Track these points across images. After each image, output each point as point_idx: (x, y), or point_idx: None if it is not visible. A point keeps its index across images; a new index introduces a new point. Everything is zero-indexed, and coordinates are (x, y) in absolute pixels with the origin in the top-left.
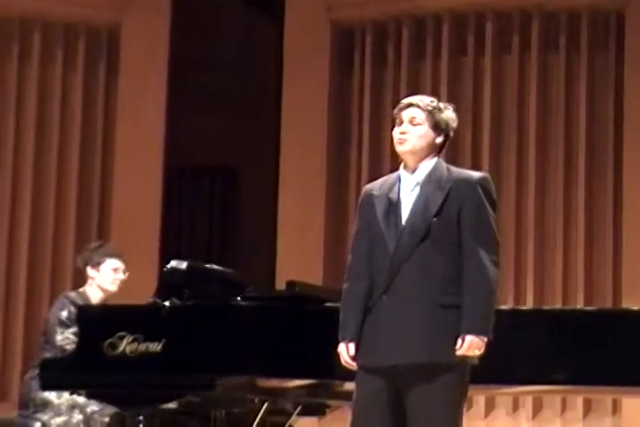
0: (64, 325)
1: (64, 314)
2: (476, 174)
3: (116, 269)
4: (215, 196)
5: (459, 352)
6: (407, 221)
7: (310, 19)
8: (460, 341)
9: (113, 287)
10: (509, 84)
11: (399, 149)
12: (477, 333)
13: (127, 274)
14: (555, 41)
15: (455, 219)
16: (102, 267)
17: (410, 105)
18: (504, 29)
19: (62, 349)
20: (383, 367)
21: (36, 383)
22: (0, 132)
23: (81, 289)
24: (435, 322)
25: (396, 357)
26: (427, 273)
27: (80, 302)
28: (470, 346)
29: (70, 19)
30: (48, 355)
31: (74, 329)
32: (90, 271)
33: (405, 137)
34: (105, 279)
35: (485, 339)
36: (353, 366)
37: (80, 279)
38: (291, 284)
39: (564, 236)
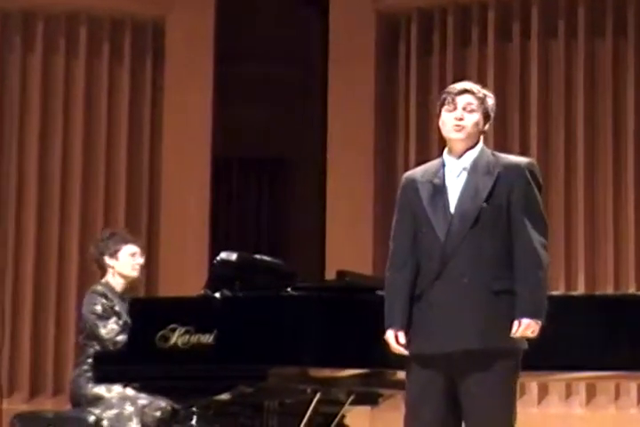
0: (102, 318)
1: (98, 308)
2: (523, 160)
3: (133, 254)
4: (263, 186)
5: (516, 335)
6: (457, 206)
7: (355, 8)
8: (516, 324)
9: (134, 273)
10: (556, 70)
11: (455, 135)
12: (533, 316)
13: (144, 257)
14: (602, 25)
15: (505, 204)
16: (120, 254)
17: (464, 91)
18: (550, 14)
19: (113, 341)
20: (437, 355)
21: (83, 380)
22: (49, 125)
23: (103, 280)
24: (489, 308)
25: (450, 344)
26: (478, 259)
27: (108, 293)
28: (527, 329)
29: (116, 13)
30: (91, 351)
31: (114, 318)
32: (108, 261)
33: (463, 123)
34: (125, 266)
35: (540, 323)
36: (403, 352)
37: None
38: (341, 273)
39: (614, 221)
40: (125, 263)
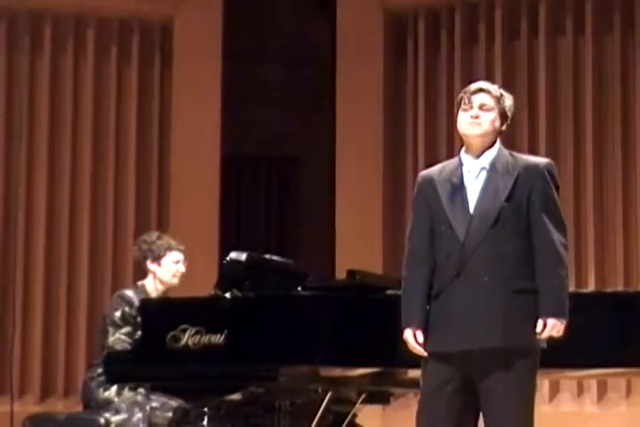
0: (115, 325)
1: (117, 314)
2: (542, 160)
3: (177, 262)
4: (272, 185)
5: (542, 335)
6: (477, 206)
7: (362, 7)
8: (540, 324)
9: (174, 280)
10: (564, 67)
11: (471, 131)
12: (558, 316)
13: (186, 264)
14: (609, 21)
15: (525, 203)
16: (164, 260)
17: (480, 90)
18: (557, 11)
19: (113, 349)
20: (456, 353)
21: (95, 384)
22: (58, 126)
23: (139, 283)
24: (509, 307)
25: (471, 342)
26: (498, 258)
27: (136, 299)
28: (552, 329)
29: (124, 14)
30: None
31: (127, 329)
32: (150, 265)
33: (478, 121)
34: (167, 273)
35: (564, 322)
36: (421, 352)
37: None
38: (351, 273)
39: (624, 217)
40: (168, 270)
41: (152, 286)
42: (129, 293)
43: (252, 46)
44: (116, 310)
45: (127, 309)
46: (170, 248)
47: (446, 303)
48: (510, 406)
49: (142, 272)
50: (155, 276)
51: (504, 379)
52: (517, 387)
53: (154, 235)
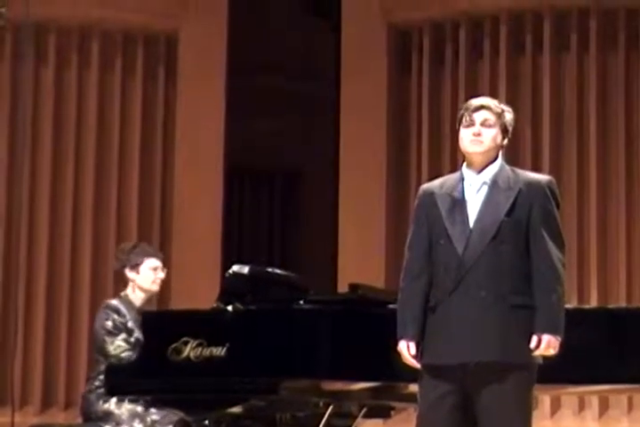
0: (111, 334)
1: (109, 324)
2: (543, 177)
3: (155, 269)
4: (275, 198)
5: (536, 352)
6: (477, 220)
7: (367, 21)
8: (535, 340)
9: (155, 287)
10: (568, 83)
11: (474, 149)
12: (554, 332)
13: (165, 271)
14: (613, 39)
15: (524, 219)
16: (141, 268)
17: (481, 107)
18: (562, 27)
19: (118, 357)
20: (452, 366)
21: (94, 396)
22: (61, 139)
23: (122, 293)
24: (506, 322)
25: (467, 355)
26: (496, 273)
27: (122, 307)
28: (548, 346)
29: (128, 26)
30: (102, 366)
31: (123, 336)
32: (129, 274)
33: (480, 138)
34: (145, 280)
35: (559, 339)
36: (414, 364)
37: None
38: (353, 286)
39: (627, 234)
40: (146, 277)
41: (134, 295)
42: (114, 302)
43: (257, 59)
44: (107, 320)
45: (116, 316)
46: (147, 255)
47: (443, 317)
48: (508, 422)
49: (124, 282)
50: (134, 284)
51: (501, 394)
52: (515, 402)
53: (130, 244)
